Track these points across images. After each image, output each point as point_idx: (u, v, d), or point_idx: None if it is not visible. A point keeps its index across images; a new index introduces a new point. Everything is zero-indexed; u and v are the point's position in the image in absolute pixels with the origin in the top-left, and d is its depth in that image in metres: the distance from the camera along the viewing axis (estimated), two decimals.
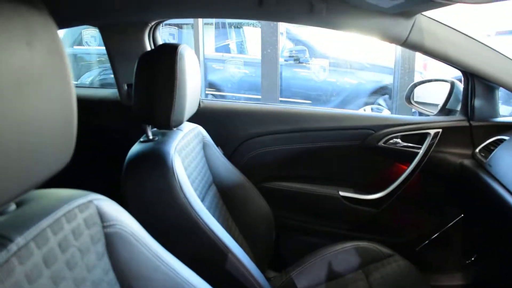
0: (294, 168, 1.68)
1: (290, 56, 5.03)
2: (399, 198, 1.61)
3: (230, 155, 1.66)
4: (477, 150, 1.54)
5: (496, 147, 1.46)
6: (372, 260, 1.44)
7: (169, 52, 1.06)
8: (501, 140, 1.46)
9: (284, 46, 5.23)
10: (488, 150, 1.49)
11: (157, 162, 1.03)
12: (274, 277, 1.55)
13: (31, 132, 0.46)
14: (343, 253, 1.46)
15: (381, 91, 5.04)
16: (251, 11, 1.31)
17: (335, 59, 5.09)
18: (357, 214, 1.65)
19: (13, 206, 0.58)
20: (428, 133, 1.56)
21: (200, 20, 3.90)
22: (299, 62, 4.98)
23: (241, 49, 5.82)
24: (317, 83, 4.94)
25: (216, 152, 1.42)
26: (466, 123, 1.56)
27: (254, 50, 5.27)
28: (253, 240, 1.43)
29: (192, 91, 1.13)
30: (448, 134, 1.56)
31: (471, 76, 1.49)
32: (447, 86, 1.66)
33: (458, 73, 1.52)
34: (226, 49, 5.94)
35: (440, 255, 1.72)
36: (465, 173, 1.55)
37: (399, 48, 3.66)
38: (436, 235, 1.69)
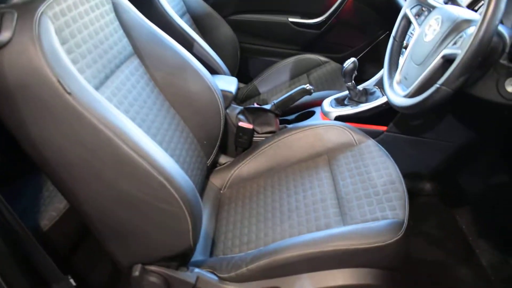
0: (252, 2, 2.03)
1: None
2: (337, 21, 2.00)
3: None
4: None
5: None
6: (313, 66, 1.88)
7: None
8: None
9: None
10: None
11: None
12: (241, 87, 1.98)
13: None
14: (291, 64, 1.90)
15: None
16: None
17: None
18: (303, 35, 2.05)
19: None
20: None
21: None
22: None
23: None
24: None
25: None
26: None
27: None
28: (221, 58, 1.81)
29: None
30: None
31: None
32: None
33: None
34: None
35: (368, 67, 2.17)
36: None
37: None
38: (367, 49, 2.12)
